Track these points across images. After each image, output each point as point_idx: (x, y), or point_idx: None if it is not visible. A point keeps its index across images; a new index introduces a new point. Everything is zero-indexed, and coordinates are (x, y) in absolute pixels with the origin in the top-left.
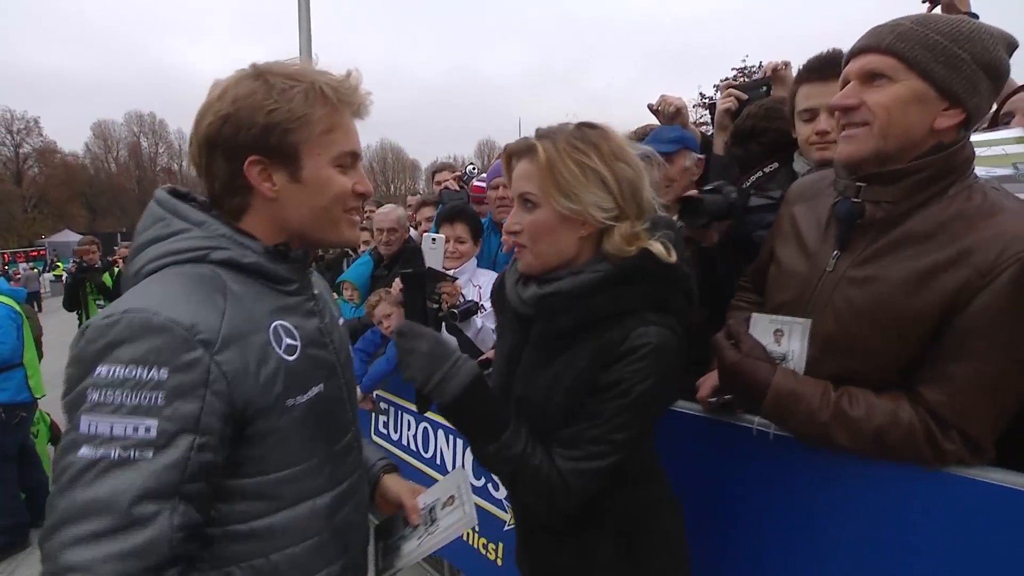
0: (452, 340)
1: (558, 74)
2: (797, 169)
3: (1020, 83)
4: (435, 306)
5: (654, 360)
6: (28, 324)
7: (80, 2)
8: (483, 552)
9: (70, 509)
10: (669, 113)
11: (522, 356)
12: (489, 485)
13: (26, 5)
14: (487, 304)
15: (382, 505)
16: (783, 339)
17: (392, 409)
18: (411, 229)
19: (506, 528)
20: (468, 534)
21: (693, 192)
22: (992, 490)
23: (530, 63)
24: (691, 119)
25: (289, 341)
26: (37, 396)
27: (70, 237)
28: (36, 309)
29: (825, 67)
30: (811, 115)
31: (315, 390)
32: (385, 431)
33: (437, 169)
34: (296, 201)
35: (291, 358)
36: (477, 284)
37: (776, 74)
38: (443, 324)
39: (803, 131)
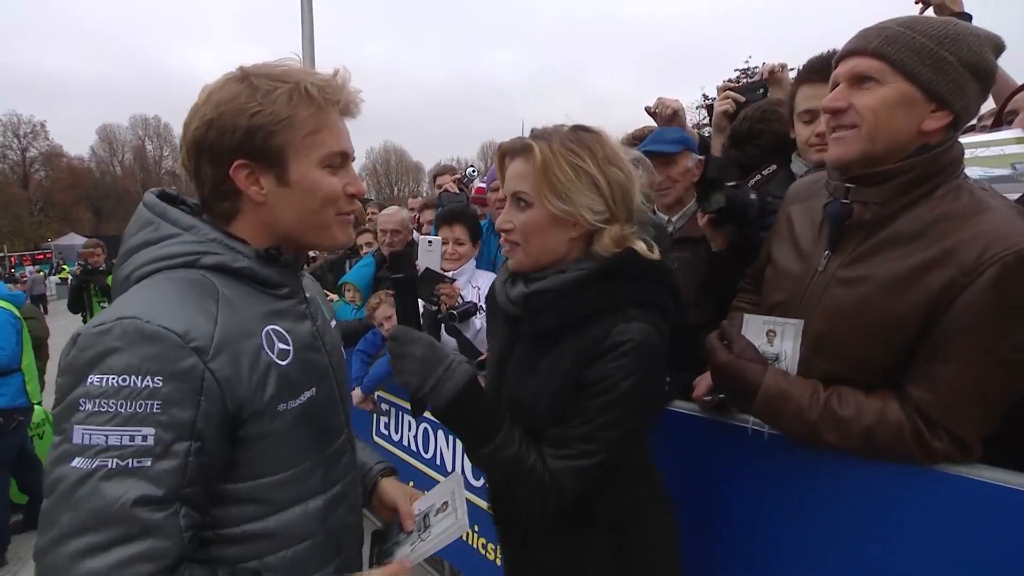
0: (450, 342)
1: (560, 76)
2: (795, 170)
3: (1022, 82)
4: (434, 308)
5: (637, 356)
6: (27, 330)
7: (86, 7)
8: (483, 552)
9: (74, 521)
10: (666, 115)
11: (511, 356)
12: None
13: (32, 10)
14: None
15: (379, 509)
16: (776, 339)
17: (393, 410)
18: (413, 232)
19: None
20: (468, 534)
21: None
22: (982, 488)
23: (532, 65)
24: (695, 120)
25: (281, 346)
26: (34, 402)
27: (76, 240)
28: (43, 312)
29: (826, 68)
30: (811, 116)
31: (308, 394)
32: (386, 432)
33: (439, 172)
34: (285, 204)
35: (284, 363)
36: (476, 285)
37: (773, 76)
38: (443, 325)
39: (803, 132)
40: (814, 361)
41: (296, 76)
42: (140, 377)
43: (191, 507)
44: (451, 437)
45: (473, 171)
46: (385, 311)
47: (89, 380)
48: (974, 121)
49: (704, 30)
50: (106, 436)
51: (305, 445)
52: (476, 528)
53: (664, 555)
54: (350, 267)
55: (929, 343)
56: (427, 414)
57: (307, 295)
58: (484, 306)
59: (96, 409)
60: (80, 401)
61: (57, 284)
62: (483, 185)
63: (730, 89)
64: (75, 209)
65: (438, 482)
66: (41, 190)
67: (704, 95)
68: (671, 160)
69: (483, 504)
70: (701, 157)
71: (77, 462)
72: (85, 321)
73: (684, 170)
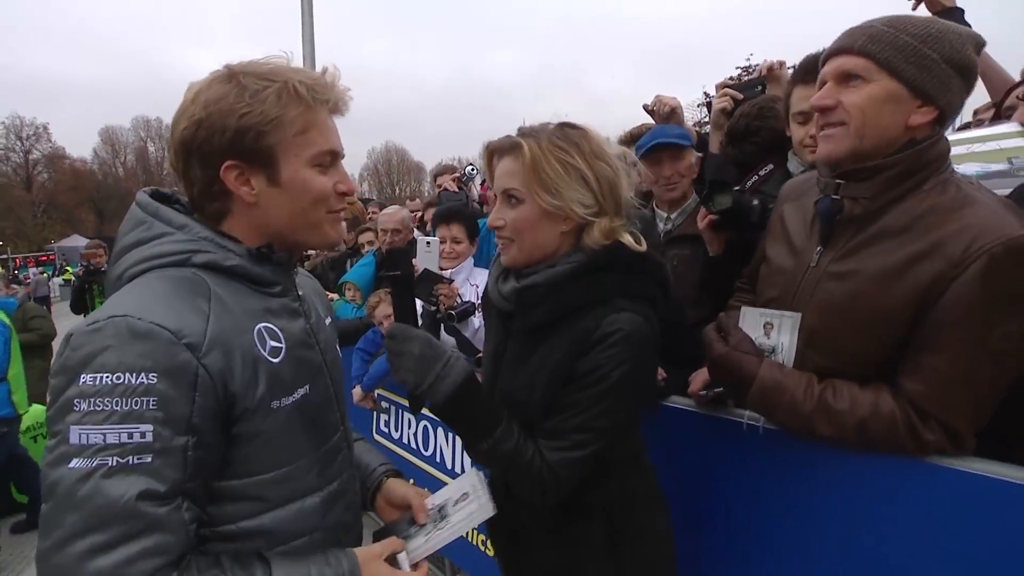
0: (449, 341)
1: (560, 76)
2: (791, 169)
3: (1019, 78)
4: (433, 308)
5: (627, 345)
6: (16, 338)
7: (88, 9)
8: (482, 550)
9: (77, 522)
10: (664, 113)
11: (505, 352)
12: None
13: (33, 12)
14: None
15: (383, 510)
16: (773, 332)
17: (393, 408)
18: (415, 230)
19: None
20: (468, 532)
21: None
22: (974, 480)
23: (533, 65)
24: (696, 118)
25: (273, 343)
26: (20, 412)
27: (79, 242)
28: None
29: (815, 72)
30: (805, 118)
31: (301, 391)
32: (386, 430)
33: (439, 172)
34: (276, 204)
35: (275, 360)
36: (474, 283)
37: (771, 73)
38: (442, 325)
39: (797, 133)
40: (807, 355)
41: (284, 75)
42: (134, 374)
43: (193, 501)
44: (451, 435)
45: (472, 169)
46: (385, 309)
47: (82, 379)
48: (971, 118)
49: (704, 30)
50: (104, 435)
51: (300, 442)
52: (476, 526)
53: (658, 548)
54: (351, 266)
55: (920, 336)
56: (426, 411)
57: (300, 293)
58: (480, 302)
59: (91, 408)
60: (75, 401)
61: (61, 285)
62: (485, 183)
63: (728, 86)
64: (78, 211)
65: (438, 479)
66: (44, 192)
67: (705, 93)
68: (680, 154)
69: None
70: (699, 154)
71: (75, 463)
72: None
73: (689, 165)
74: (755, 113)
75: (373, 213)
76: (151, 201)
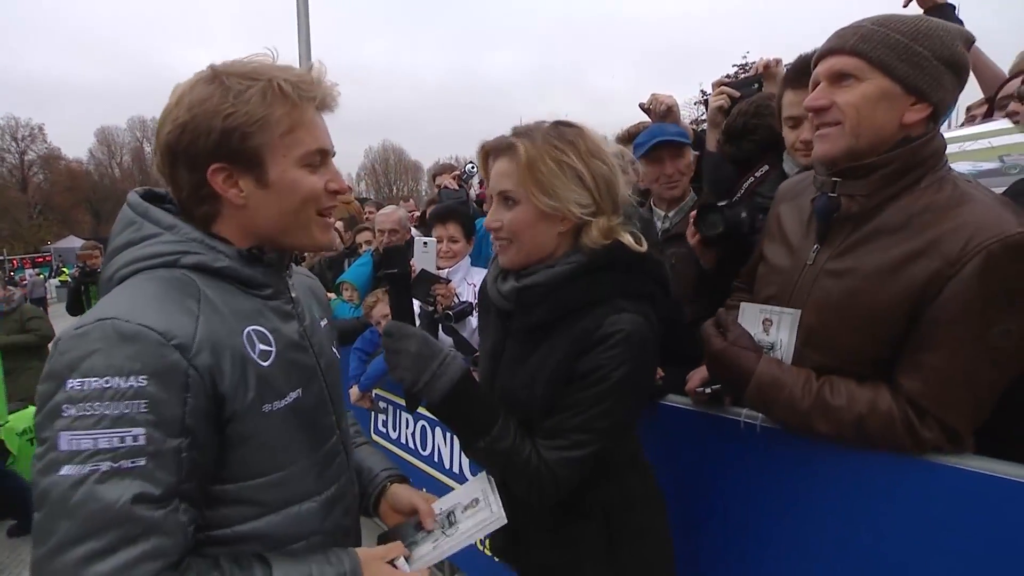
0: (447, 340)
1: (559, 75)
2: (787, 170)
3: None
4: (431, 308)
5: (628, 346)
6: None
7: (82, 9)
8: (480, 548)
9: (72, 529)
10: (660, 111)
11: (504, 351)
12: None
13: (28, 13)
14: None
15: (388, 516)
16: (771, 328)
17: (390, 408)
18: (412, 230)
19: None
20: None
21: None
22: (971, 477)
23: (531, 64)
24: (693, 116)
25: (263, 347)
26: (1, 423)
27: (75, 243)
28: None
29: (804, 76)
30: (796, 122)
31: (293, 395)
32: (384, 430)
33: (438, 172)
34: (265, 206)
35: (265, 363)
36: (471, 282)
37: (768, 71)
38: (439, 325)
39: (789, 136)
40: (805, 353)
41: (269, 73)
42: (124, 378)
43: (189, 503)
44: (448, 434)
45: (473, 167)
46: (382, 309)
47: (70, 384)
48: (964, 116)
49: (704, 30)
50: (95, 439)
51: (295, 446)
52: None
53: (656, 547)
54: (349, 265)
55: (917, 334)
56: (423, 411)
57: (293, 295)
58: (477, 301)
59: (81, 414)
60: (63, 407)
61: (57, 287)
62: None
63: (725, 84)
64: (74, 212)
65: (436, 479)
66: (40, 193)
67: (703, 91)
68: (680, 152)
69: None
70: (696, 153)
71: (67, 469)
72: None
73: (689, 163)
74: (753, 111)
75: (370, 213)
76: (141, 202)
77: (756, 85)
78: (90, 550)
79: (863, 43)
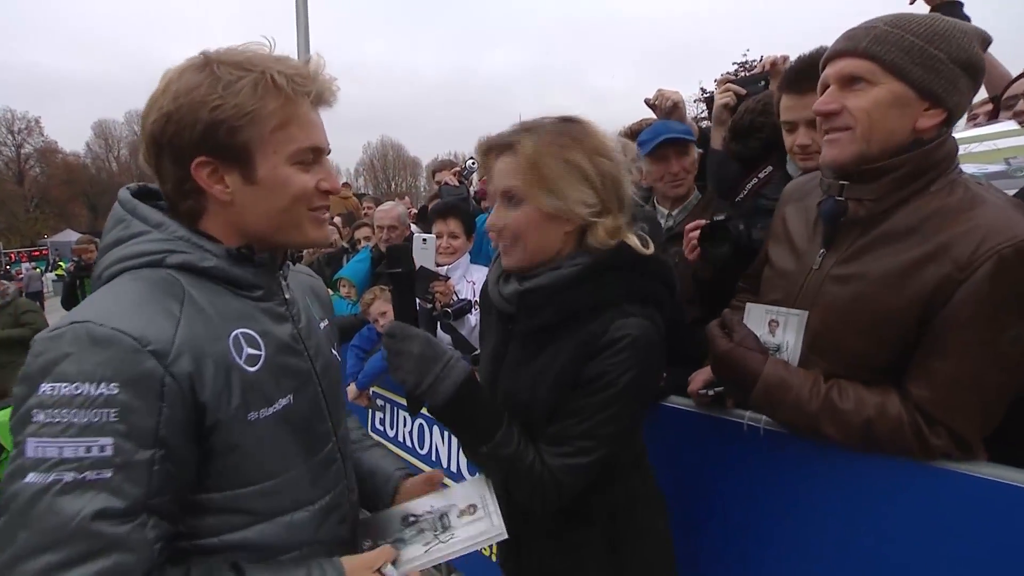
0: (445, 338)
1: (558, 72)
2: (791, 171)
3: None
4: (429, 305)
5: (635, 351)
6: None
7: (79, 2)
8: (484, 552)
9: (30, 540)
10: (666, 108)
11: (506, 354)
12: None
13: (25, 5)
14: None
15: None
16: (778, 330)
17: (388, 406)
18: (412, 226)
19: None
20: None
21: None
22: (983, 485)
23: (530, 61)
24: (693, 113)
25: (251, 351)
26: None
27: (72, 236)
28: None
29: (801, 80)
30: (792, 127)
31: (283, 402)
32: (381, 428)
33: (437, 168)
34: (253, 203)
35: (252, 368)
36: (471, 280)
37: (774, 68)
38: (438, 323)
39: (786, 140)
40: (811, 359)
41: (262, 64)
42: (94, 384)
43: (160, 517)
44: (447, 433)
45: (473, 163)
46: (380, 307)
47: (41, 389)
48: (966, 115)
49: (704, 29)
50: (60, 448)
51: (287, 454)
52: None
53: (658, 549)
54: (348, 261)
55: (927, 340)
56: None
57: (288, 296)
58: (478, 302)
59: (48, 420)
60: (33, 412)
61: (54, 281)
62: (484, 177)
63: (731, 82)
64: (71, 205)
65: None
66: (37, 187)
67: (702, 88)
68: (686, 150)
69: None
70: (700, 151)
71: (31, 477)
72: None
73: (694, 161)
74: (760, 109)
75: (369, 208)
76: (130, 198)
77: (763, 82)
78: (47, 563)
79: (876, 45)
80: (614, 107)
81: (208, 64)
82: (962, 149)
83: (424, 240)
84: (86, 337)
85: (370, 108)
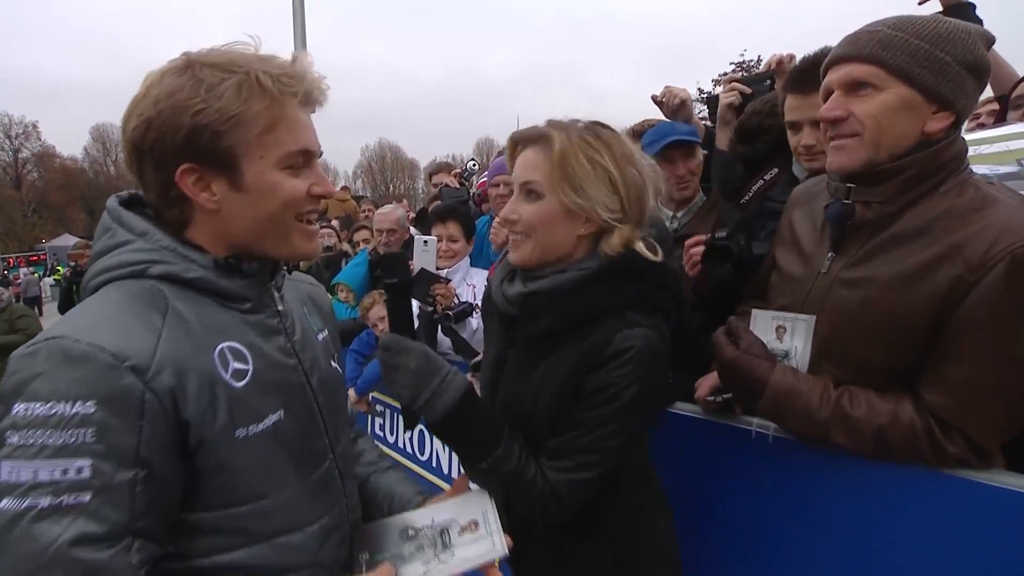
0: (446, 341)
1: (557, 73)
2: (796, 173)
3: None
4: (430, 308)
5: (640, 363)
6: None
7: (76, 6)
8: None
9: (7, 568)
10: (674, 105)
11: (507, 361)
12: None
13: (22, 9)
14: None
15: None
16: (785, 336)
17: (388, 412)
18: (411, 229)
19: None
20: None
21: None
22: (1001, 495)
23: (528, 62)
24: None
25: (237, 365)
26: None
27: (70, 241)
28: (38, 314)
29: (805, 81)
30: (795, 127)
31: (273, 418)
32: (381, 434)
33: (434, 170)
34: (240, 211)
35: (239, 384)
36: (471, 283)
37: (780, 67)
38: (439, 325)
39: (791, 140)
40: (821, 365)
41: (247, 64)
42: (69, 403)
43: (146, 539)
44: None
45: (474, 165)
46: (379, 311)
47: (15, 409)
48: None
49: (704, 29)
50: (35, 471)
51: (280, 472)
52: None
53: (663, 558)
54: (346, 264)
55: (940, 344)
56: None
57: (280, 308)
58: (480, 306)
59: (22, 442)
60: (7, 433)
61: (52, 286)
62: (483, 180)
63: (736, 81)
64: (69, 210)
65: (434, 484)
66: (34, 191)
67: (699, 89)
68: (692, 152)
69: None
70: (705, 151)
71: (6, 503)
72: None
73: (699, 162)
74: (767, 111)
75: (367, 211)
76: (116, 207)
77: (768, 82)
78: None
79: (882, 50)
80: (614, 107)
81: (190, 66)
82: (973, 150)
83: (425, 242)
84: (60, 354)
85: (367, 109)
